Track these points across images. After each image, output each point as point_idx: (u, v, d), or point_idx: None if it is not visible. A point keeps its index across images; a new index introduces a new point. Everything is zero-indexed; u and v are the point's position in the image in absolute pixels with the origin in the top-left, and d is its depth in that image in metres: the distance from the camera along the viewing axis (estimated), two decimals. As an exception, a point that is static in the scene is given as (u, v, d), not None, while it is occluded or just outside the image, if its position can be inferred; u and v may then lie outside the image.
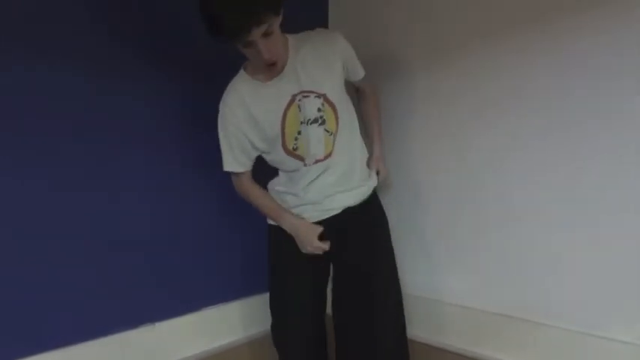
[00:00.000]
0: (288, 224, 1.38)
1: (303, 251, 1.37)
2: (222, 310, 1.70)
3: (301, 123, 1.30)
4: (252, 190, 1.42)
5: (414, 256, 1.74)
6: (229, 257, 1.74)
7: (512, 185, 1.45)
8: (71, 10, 1.34)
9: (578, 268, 1.33)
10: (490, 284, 1.54)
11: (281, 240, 1.42)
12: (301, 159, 1.33)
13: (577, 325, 1.34)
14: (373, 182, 1.46)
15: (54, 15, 1.31)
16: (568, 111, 1.32)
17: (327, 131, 1.32)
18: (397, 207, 1.77)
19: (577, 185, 1.32)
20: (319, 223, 1.38)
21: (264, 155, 1.39)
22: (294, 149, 1.32)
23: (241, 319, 1.75)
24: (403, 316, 1.44)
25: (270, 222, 1.46)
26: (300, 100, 1.28)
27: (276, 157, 1.36)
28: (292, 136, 1.31)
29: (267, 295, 1.49)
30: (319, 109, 1.30)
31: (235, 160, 1.36)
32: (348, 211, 1.39)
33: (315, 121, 1.30)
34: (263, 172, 1.45)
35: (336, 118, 1.32)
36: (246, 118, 1.30)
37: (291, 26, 1.28)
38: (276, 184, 1.44)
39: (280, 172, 1.43)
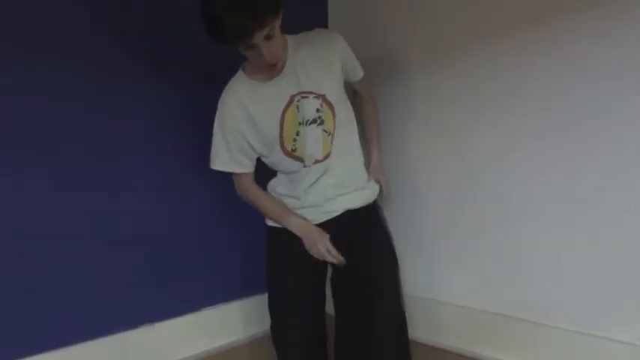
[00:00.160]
0: (295, 226, 1.38)
1: (311, 252, 1.37)
2: (222, 311, 1.70)
3: (299, 124, 1.30)
4: (253, 191, 1.42)
5: (414, 256, 1.74)
6: (229, 257, 1.74)
7: (512, 185, 1.45)
8: (71, 10, 1.34)
9: (578, 268, 1.33)
10: (490, 284, 1.53)
11: (280, 241, 1.42)
12: (300, 160, 1.33)
13: (577, 326, 1.34)
14: (376, 187, 1.46)
15: (54, 15, 1.31)
16: (568, 111, 1.32)
17: (326, 131, 1.32)
18: (397, 207, 1.77)
19: (577, 185, 1.32)
20: (319, 225, 1.38)
21: (263, 158, 1.39)
22: (293, 150, 1.32)
23: (241, 319, 1.75)
24: (404, 317, 1.43)
25: (269, 223, 1.46)
26: (298, 101, 1.28)
27: (275, 158, 1.36)
28: (291, 137, 1.31)
29: (267, 296, 1.49)
30: (318, 110, 1.30)
31: (233, 161, 1.36)
32: (348, 213, 1.39)
33: (314, 121, 1.30)
34: (262, 172, 1.44)
35: (334, 118, 1.33)
36: (245, 118, 1.30)
37: (291, 26, 1.28)
38: (276, 186, 1.44)
39: (280, 174, 1.43)
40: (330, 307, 1.47)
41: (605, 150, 1.26)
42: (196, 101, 1.58)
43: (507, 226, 1.47)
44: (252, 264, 1.75)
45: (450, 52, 1.58)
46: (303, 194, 1.37)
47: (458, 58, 1.56)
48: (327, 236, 1.35)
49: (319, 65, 1.30)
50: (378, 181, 1.49)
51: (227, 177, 1.43)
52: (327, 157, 1.34)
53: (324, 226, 1.38)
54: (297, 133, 1.30)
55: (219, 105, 1.32)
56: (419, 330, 1.69)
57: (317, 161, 1.33)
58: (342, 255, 1.35)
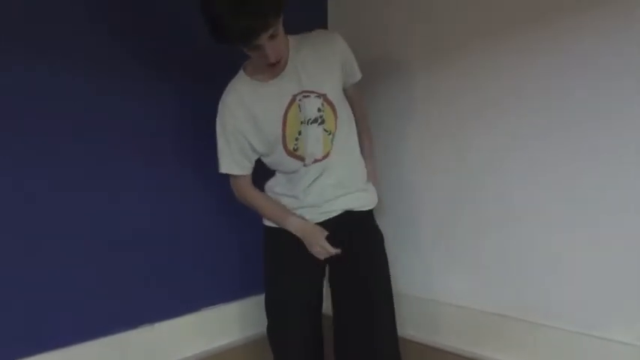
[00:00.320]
0: (294, 226, 1.37)
1: (312, 252, 1.37)
2: (221, 311, 1.71)
3: (301, 123, 1.29)
4: (251, 193, 1.42)
5: (414, 255, 1.74)
6: (229, 258, 1.74)
7: (512, 185, 1.45)
8: (71, 10, 1.34)
9: (578, 268, 1.33)
10: (490, 284, 1.53)
11: (278, 241, 1.41)
12: (301, 159, 1.33)
13: (577, 326, 1.34)
14: (375, 192, 1.46)
15: (54, 15, 1.31)
16: (568, 111, 1.32)
17: (326, 131, 1.32)
18: (397, 207, 1.77)
19: (577, 185, 1.32)
20: (319, 224, 1.38)
21: (262, 158, 1.39)
22: (295, 149, 1.32)
23: (241, 319, 1.75)
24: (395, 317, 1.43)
25: (267, 223, 1.46)
26: (300, 100, 1.28)
27: (277, 158, 1.35)
28: (293, 136, 1.31)
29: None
30: (319, 109, 1.30)
31: (234, 162, 1.36)
32: (347, 214, 1.39)
33: (315, 120, 1.30)
34: (258, 173, 1.44)
35: (335, 118, 1.32)
36: (246, 118, 1.30)
37: (291, 26, 1.28)
38: (274, 186, 1.43)
39: (278, 174, 1.42)
40: (327, 308, 1.47)
41: (605, 150, 1.26)
42: (196, 101, 1.58)
43: (507, 226, 1.47)
44: (253, 264, 1.74)
45: (450, 52, 1.58)
46: (302, 194, 1.37)
47: (458, 58, 1.56)
48: (323, 234, 1.35)
49: (320, 65, 1.30)
50: None
51: (226, 177, 1.43)
52: (326, 156, 1.33)
53: (322, 226, 1.38)
54: (299, 133, 1.30)
55: (220, 106, 1.32)
56: (418, 330, 1.69)
57: (316, 160, 1.33)
58: (342, 255, 1.36)
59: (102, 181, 1.41)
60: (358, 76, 1.43)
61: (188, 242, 1.61)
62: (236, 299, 1.75)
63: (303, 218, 1.38)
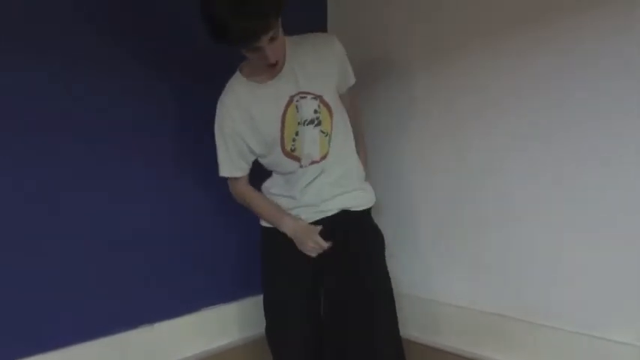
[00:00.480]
0: (287, 227, 1.37)
1: (304, 251, 1.37)
2: (221, 311, 1.70)
3: (298, 124, 1.30)
4: (249, 194, 1.42)
5: (414, 255, 1.74)
6: (229, 258, 1.73)
7: (512, 185, 1.45)
8: (71, 10, 1.34)
9: (578, 268, 1.33)
10: (489, 284, 1.53)
11: (276, 242, 1.41)
12: (298, 160, 1.33)
13: (577, 326, 1.34)
14: (373, 192, 1.46)
15: (54, 15, 1.31)
16: (568, 111, 1.32)
17: (323, 132, 1.31)
18: (396, 207, 1.77)
19: (577, 185, 1.32)
20: (314, 223, 1.38)
21: (260, 159, 1.39)
22: (292, 150, 1.32)
23: (240, 319, 1.75)
24: (396, 316, 1.43)
25: (264, 224, 1.46)
26: (297, 101, 1.28)
27: (274, 159, 1.35)
28: (290, 137, 1.31)
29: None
30: (316, 111, 1.30)
31: (232, 164, 1.35)
32: (344, 213, 1.39)
33: (312, 122, 1.30)
34: (255, 173, 1.44)
35: (332, 119, 1.32)
36: (244, 119, 1.30)
37: (291, 27, 1.28)
38: (270, 187, 1.43)
39: (275, 175, 1.42)
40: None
41: (605, 150, 1.26)
42: (196, 101, 1.58)
43: (507, 226, 1.47)
44: (252, 265, 1.74)
45: (450, 52, 1.58)
46: (299, 194, 1.37)
47: (458, 58, 1.56)
48: (316, 230, 1.35)
49: (317, 67, 1.30)
50: None
51: (226, 178, 1.43)
52: (324, 157, 1.33)
53: (318, 224, 1.37)
54: (297, 134, 1.30)
55: (218, 107, 1.32)
56: (418, 330, 1.69)
57: (314, 162, 1.33)
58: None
59: (102, 181, 1.41)
60: (352, 80, 1.43)
61: (188, 242, 1.61)
62: (236, 299, 1.75)
63: (299, 218, 1.38)
